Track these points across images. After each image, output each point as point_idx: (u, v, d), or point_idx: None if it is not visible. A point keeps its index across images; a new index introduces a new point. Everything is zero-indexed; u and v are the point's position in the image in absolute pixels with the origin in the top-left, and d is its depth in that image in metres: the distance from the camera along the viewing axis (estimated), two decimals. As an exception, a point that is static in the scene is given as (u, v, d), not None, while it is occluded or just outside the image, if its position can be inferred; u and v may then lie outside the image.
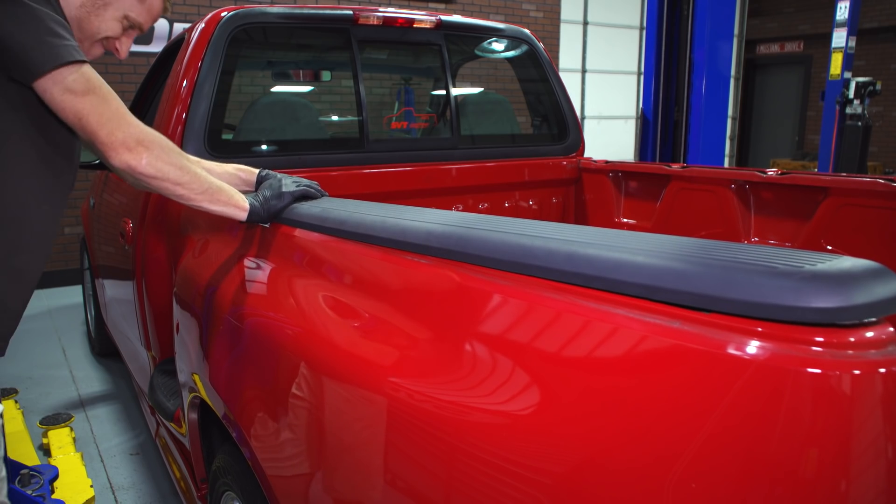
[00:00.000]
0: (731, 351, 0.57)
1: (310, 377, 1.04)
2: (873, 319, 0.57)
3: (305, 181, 1.45)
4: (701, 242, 0.73)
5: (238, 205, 1.33)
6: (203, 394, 1.43)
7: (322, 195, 1.47)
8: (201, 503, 1.77)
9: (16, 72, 1.10)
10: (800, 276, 0.57)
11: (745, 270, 0.60)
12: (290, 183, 1.42)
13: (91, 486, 2.27)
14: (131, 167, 1.16)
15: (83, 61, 1.13)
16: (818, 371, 0.53)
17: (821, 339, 0.55)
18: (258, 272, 1.40)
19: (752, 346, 0.56)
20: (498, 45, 2.87)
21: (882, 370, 0.53)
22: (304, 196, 1.41)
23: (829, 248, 2.02)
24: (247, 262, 1.44)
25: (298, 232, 1.30)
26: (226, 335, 1.34)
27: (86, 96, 1.11)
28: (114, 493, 2.46)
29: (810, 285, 0.56)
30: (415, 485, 0.84)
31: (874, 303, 0.56)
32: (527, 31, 2.82)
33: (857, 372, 0.52)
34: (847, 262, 0.60)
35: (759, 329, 0.57)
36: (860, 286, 0.56)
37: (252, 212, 1.34)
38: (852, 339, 0.55)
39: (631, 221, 2.71)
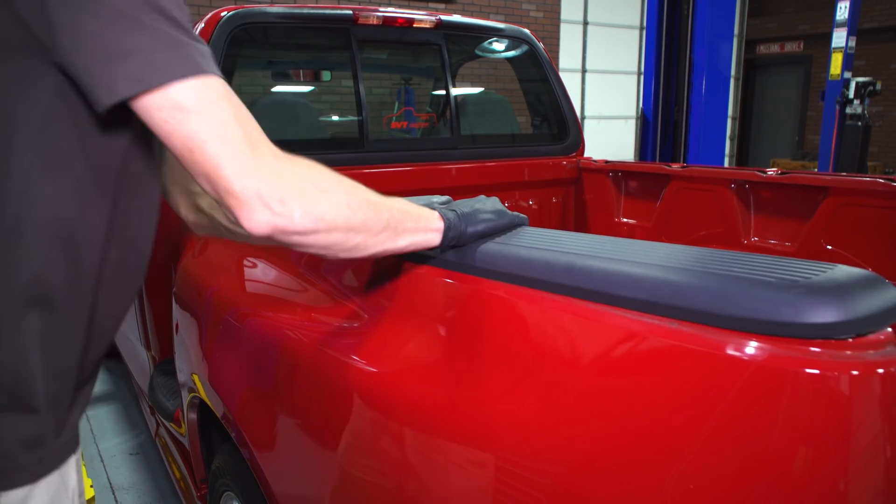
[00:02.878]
0: (730, 352, 0.57)
1: (309, 378, 1.04)
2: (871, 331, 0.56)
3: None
4: (699, 252, 0.73)
5: (429, 226, 0.89)
6: (202, 394, 1.43)
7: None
8: (201, 503, 1.77)
9: (96, 89, 0.69)
10: (796, 291, 0.57)
11: (740, 285, 0.60)
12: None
13: (91, 486, 2.27)
14: (279, 228, 0.73)
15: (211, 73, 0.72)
16: (816, 372, 0.53)
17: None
18: (258, 272, 1.40)
19: (751, 347, 0.56)
20: (498, 45, 2.87)
21: (880, 371, 0.53)
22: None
23: (829, 247, 2.02)
24: (246, 262, 1.44)
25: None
26: (225, 335, 1.34)
27: (202, 114, 0.71)
28: (114, 493, 2.46)
29: (806, 300, 0.56)
30: (415, 485, 0.84)
31: (871, 315, 0.56)
32: (527, 31, 2.81)
33: (855, 373, 0.52)
34: (841, 273, 0.60)
35: (758, 330, 0.57)
36: (856, 299, 0.56)
37: (449, 227, 0.90)
38: (850, 340, 0.55)
39: (631, 221, 2.70)
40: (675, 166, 2.51)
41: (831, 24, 5.76)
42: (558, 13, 8.26)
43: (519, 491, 0.71)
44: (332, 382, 0.99)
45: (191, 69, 0.70)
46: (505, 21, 4.59)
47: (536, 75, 2.85)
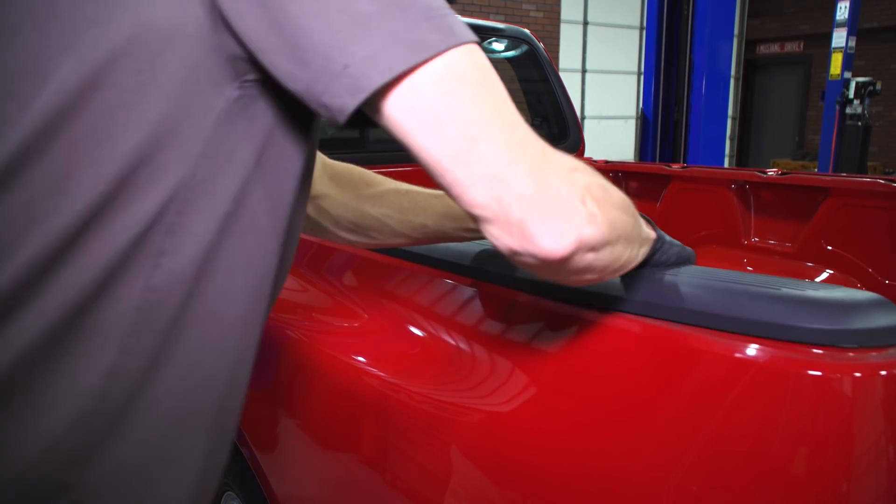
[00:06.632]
0: (733, 353, 0.57)
1: (309, 378, 1.04)
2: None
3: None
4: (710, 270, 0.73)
5: (648, 236, 0.68)
6: (203, 394, 1.43)
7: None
8: (201, 503, 1.76)
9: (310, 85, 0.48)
10: (802, 300, 0.58)
11: (749, 293, 0.60)
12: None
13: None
14: (584, 241, 0.50)
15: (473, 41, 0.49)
16: (819, 373, 0.53)
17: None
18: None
19: (754, 349, 0.56)
20: (498, 45, 2.87)
21: (883, 372, 0.53)
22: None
23: (829, 248, 2.02)
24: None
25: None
26: (226, 335, 1.34)
27: (476, 95, 0.48)
28: (113, 493, 2.46)
29: (811, 307, 0.56)
30: (417, 485, 0.84)
31: (874, 329, 0.56)
32: (527, 31, 2.81)
33: (858, 374, 0.52)
34: (849, 291, 0.60)
35: (760, 331, 0.57)
36: (861, 313, 0.56)
37: (659, 239, 0.70)
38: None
39: (631, 221, 2.70)
40: (676, 167, 2.51)
41: (831, 24, 5.76)
42: (558, 13, 8.27)
43: (521, 491, 0.71)
44: (332, 383, 0.99)
45: (450, 38, 0.48)
46: (505, 21, 4.60)
47: (536, 75, 2.85)
